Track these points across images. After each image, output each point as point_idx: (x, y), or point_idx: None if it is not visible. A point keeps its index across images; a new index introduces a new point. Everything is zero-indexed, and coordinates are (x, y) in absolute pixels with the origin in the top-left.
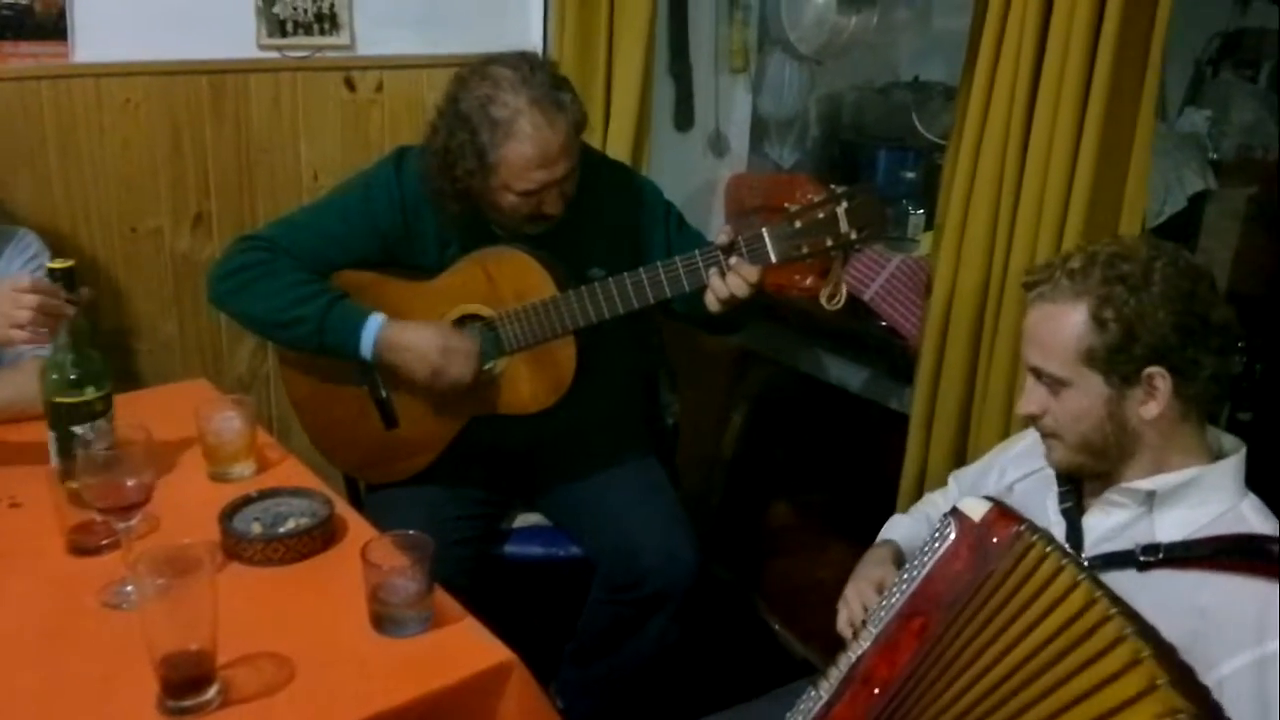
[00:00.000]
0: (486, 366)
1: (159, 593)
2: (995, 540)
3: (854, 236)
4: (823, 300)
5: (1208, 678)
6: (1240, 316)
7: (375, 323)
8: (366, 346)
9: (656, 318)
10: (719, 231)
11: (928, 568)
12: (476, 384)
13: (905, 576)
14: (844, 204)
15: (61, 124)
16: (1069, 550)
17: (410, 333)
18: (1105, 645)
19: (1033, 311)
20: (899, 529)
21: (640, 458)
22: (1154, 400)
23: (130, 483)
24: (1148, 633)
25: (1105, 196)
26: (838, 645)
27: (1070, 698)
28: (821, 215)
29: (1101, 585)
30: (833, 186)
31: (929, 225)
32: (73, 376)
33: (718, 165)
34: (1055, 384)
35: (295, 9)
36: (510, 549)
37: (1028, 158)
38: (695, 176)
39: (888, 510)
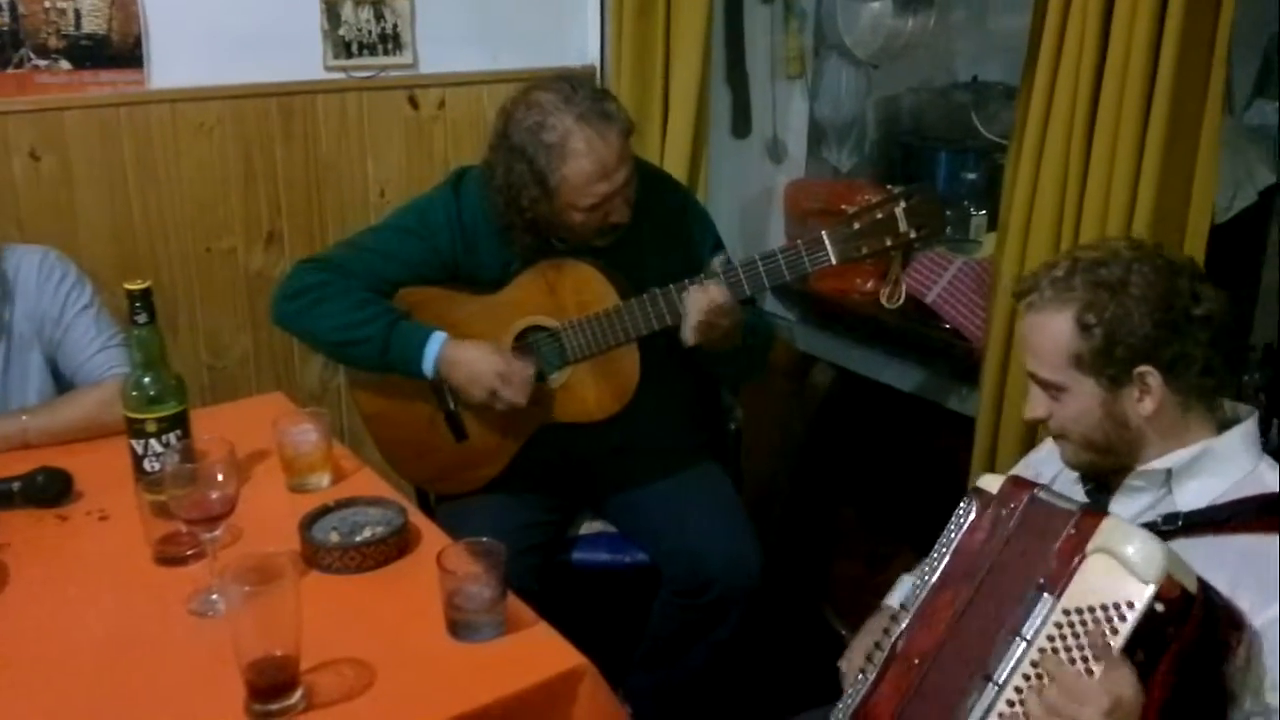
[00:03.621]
0: (551, 376)
1: (246, 600)
2: (1012, 506)
3: (913, 235)
4: (882, 299)
5: None
6: None
7: (437, 341)
8: (429, 364)
9: None
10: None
11: (953, 544)
12: (542, 393)
13: (934, 557)
14: (902, 204)
15: (139, 148)
16: (1079, 501)
17: (469, 352)
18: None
19: (1025, 320)
20: (900, 591)
21: (704, 463)
22: (1149, 397)
23: (214, 495)
24: None
25: (1172, 193)
26: None
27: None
28: (880, 215)
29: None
30: (890, 187)
31: (991, 226)
32: (152, 393)
33: (776, 172)
34: (1053, 389)
35: (360, 30)
36: (578, 555)
37: (1092, 156)
38: (753, 183)
39: (951, 514)
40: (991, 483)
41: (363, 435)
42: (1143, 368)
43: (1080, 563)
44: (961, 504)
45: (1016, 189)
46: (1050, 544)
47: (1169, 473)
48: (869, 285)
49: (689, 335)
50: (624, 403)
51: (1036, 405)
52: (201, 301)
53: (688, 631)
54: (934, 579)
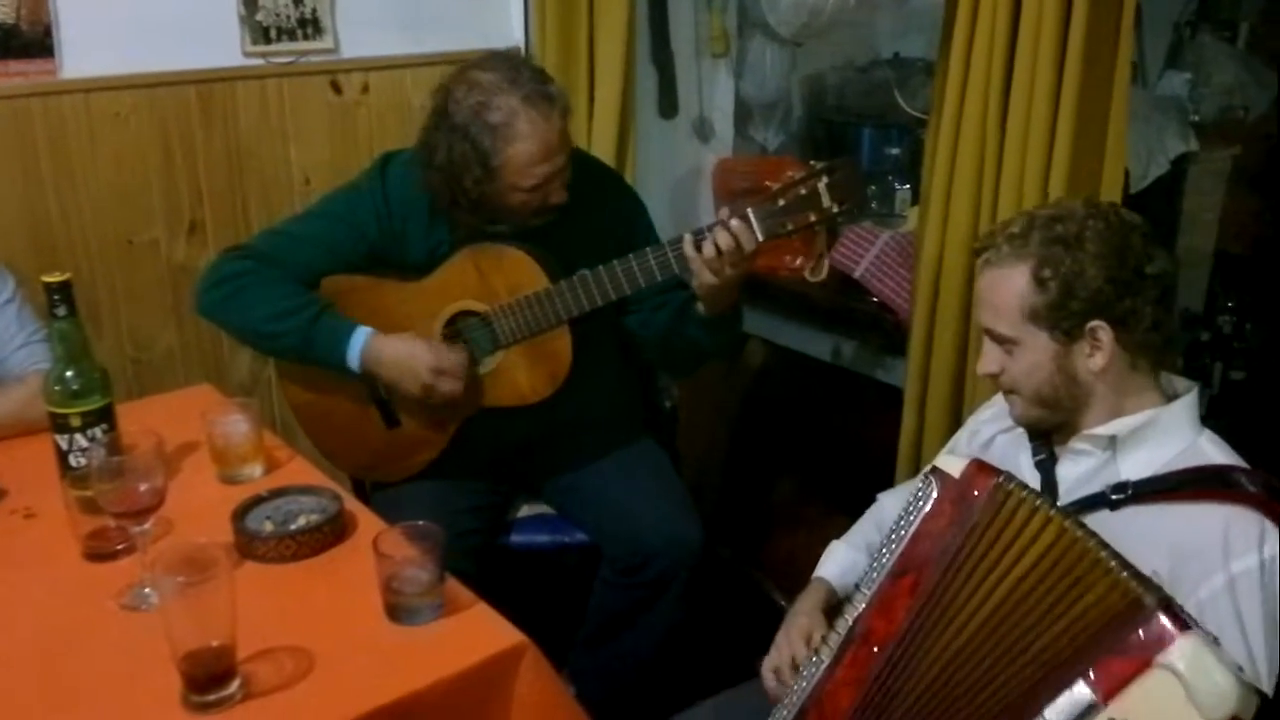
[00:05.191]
0: (483, 361)
1: (178, 591)
2: (976, 493)
3: (836, 210)
4: (806, 274)
5: (1187, 604)
6: (1228, 276)
7: (360, 337)
8: (353, 360)
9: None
10: (720, 212)
11: (914, 527)
12: (474, 379)
13: (892, 537)
14: (824, 179)
15: (53, 140)
16: (1043, 495)
17: (397, 347)
18: (1082, 567)
19: (981, 277)
20: (834, 562)
21: (640, 442)
22: (1099, 352)
23: (143, 487)
24: (1118, 556)
25: (1085, 163)
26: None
27: (1053, 616)
28: (804, 191)
29: (1073, 519)
30: (812, 163)
31: (915, 200)
32: (75, 388)
33: (704, 151)
34: (1007, 343)
35: (278, 15)
36: (517, 538)
37: (1007, 129)
38: (682, 163)
39: (885, 483)
40: (952, 465)
41: (295, 427)
42: (1095, 322)
43: (1142, 673)
44: (919, 484)
45: (936, 162)
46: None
47: (1114, 439)
48: (797, 262)
49: (704, 283)
50: (557, 385)
51: (989, 361)
52: (124, 294)
53: (629, 609)
54: (892, 561)
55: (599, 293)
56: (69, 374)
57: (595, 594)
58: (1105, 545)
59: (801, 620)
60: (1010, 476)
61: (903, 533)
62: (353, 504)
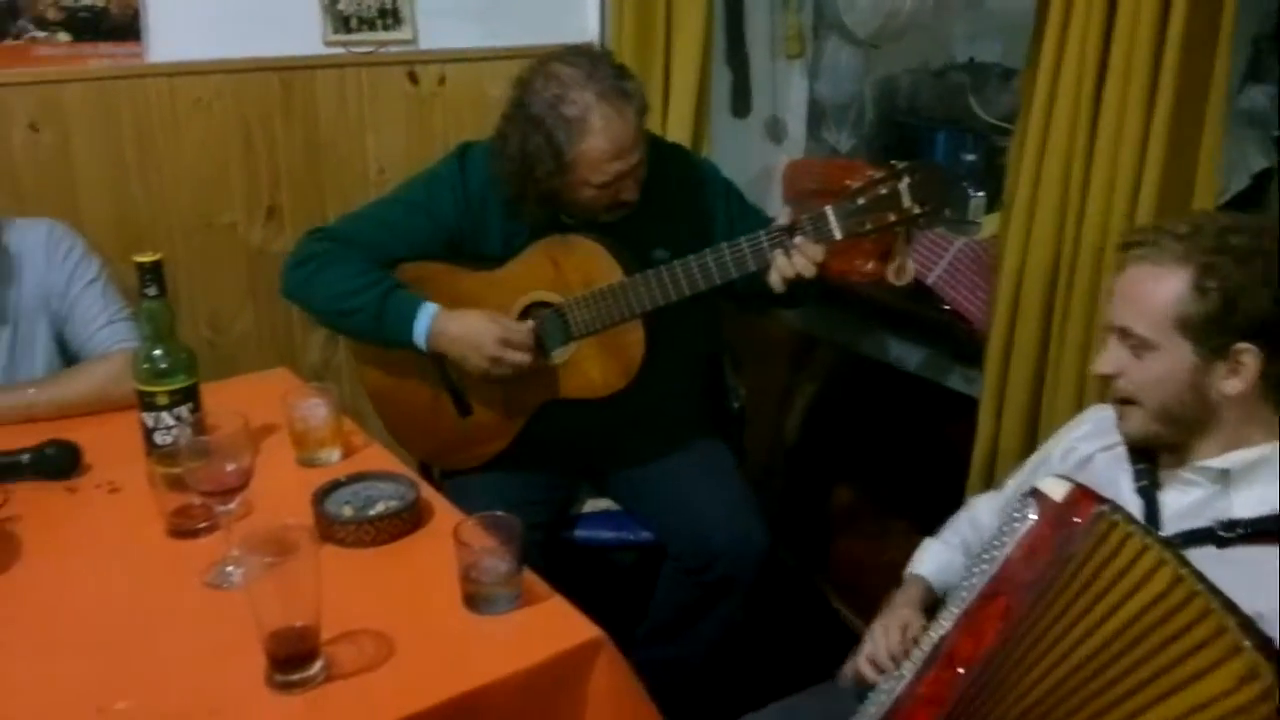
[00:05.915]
0: (556, 352)
1: (267, 571)
2: (1077, 520)
3: (917, 211)
4: (889, 277)
5: None
6: None
7: (428, 312)
8: (420, 335)
9: (718, 300)
10: (779, 215)
11: (1009, 548)
12: (546, 370)
13: (985, 556)
14: (906, 179)
15: (138, 122)
16: (1150, 530)
17: (464, 322)
18: (1190, 620)
19: (1130, 270)
20: (931, 559)
21: (707, 440)
22: (1238, 377)
23: (230, 467)
24: (1229, 606)
25: (1178, 175)
26: None
27: (1154, 671)
28: (884, 191)
29: (1185, 562)
30: (893, 163)
31: (990, 208)
32: (163, 366)
33: (775, 151)
34: (1141, 346)
35: (359, 5)
36: (581, 533)
37: (1097, 138)
38: (753, 163)
39: (952, 493)
40: (1054, 487)
41: (365, 411)
42: (1245, 344)
43: None
44: (1016, 503)
45: (1021, 170)
46: None
47: (1226, 473)
48: (869, 266)
49: (778, 282)
50: (629, 379)
51: (1110, 361)
52: (202, 277)
53: (692, 608)
54: (984, 582)
55: (674, 288)
56: (157, 353)
57: (658, 591)
58: (1231, 607)
59: (902, 612)
60: (1116, 507)
61: (997, 553)
62: (428, 492)
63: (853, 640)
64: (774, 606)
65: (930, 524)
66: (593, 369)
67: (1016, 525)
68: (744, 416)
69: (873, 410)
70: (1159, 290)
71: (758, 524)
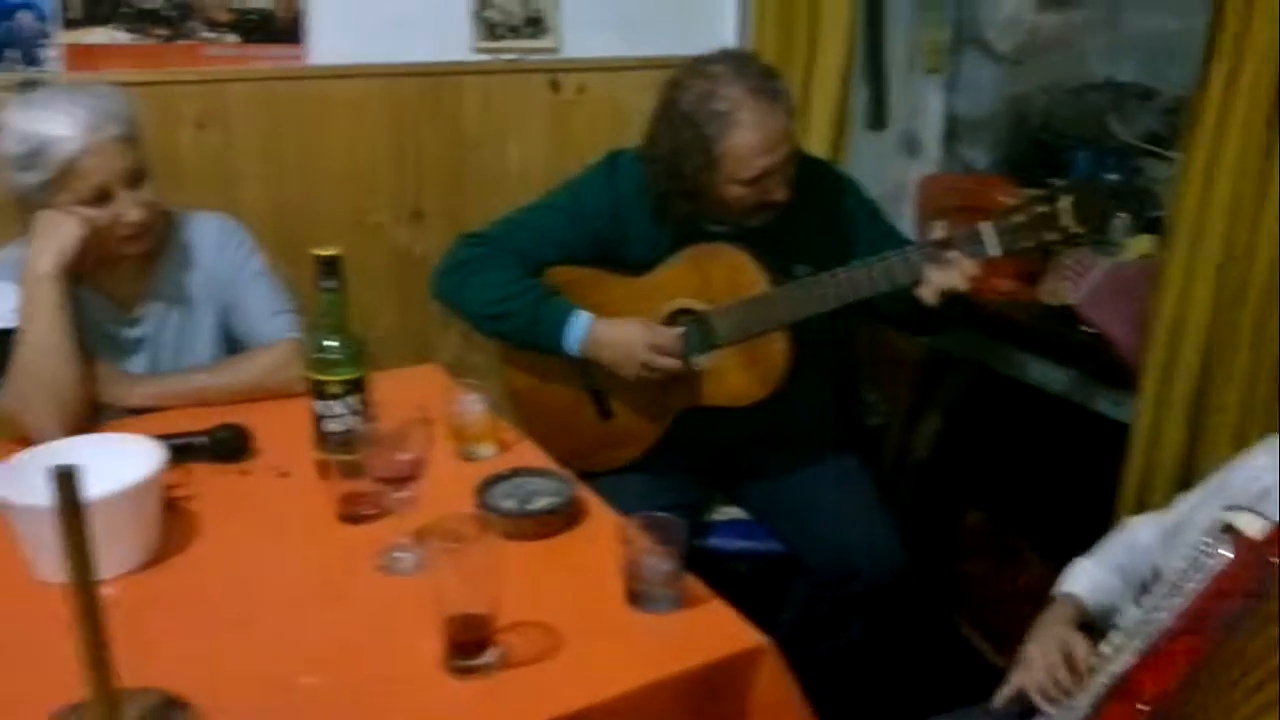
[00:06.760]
0: (698, 359)
1: (452, 557)
2: (1274, 560)
3: (1077, 231)
4: (1044, 296)
5: None
6: None
7: (582, 320)
8: (573, 342)
9: (854, 317)
10: (934, 226)
11: (1200, 585)
12: (688, 377)
13: (1171, 589)
14: (1067, 198)
15: (297, 121)
16: None
17: (617, 330)
18: None
19: None
20: (1086, 578)
21: (842, 456)
22: None
23: (407, 456)
24: None
25: None
26: None
27: None
28: (1043, 209)
29: None
30: (1052, 181)
31: (1136, 229)
32: (337, 357)
33: (909, 166)
34: None
35: (506, 13)
36: (714, 541)
37: (1271, 163)
38: (887, 177)
39: (1092, 522)
40: (1251, 524)
41: (503, 410)
42: None
43: None
44: (1207, 540)
45: (1186, 195)
46: None
47: None
48: (1005, 285)
49: (929, 295)
50: (771, 389)
51: None
52: (350, 274)
53: (824, 623)
54: (1169, 618)
55: (820, 300)
56: (332, 343)
57: (789, 604)
58: None
59: (1059, 632)
60: None
61: (1186, 586)
62: (584, 491)
63: (977, 663)
64: (902, 628)
65: (1064, 553)
66: (734, 378)
67: (1208, 561)
68: (881, 434)
69: (1005, 432)
70: None
71: (896, 544)
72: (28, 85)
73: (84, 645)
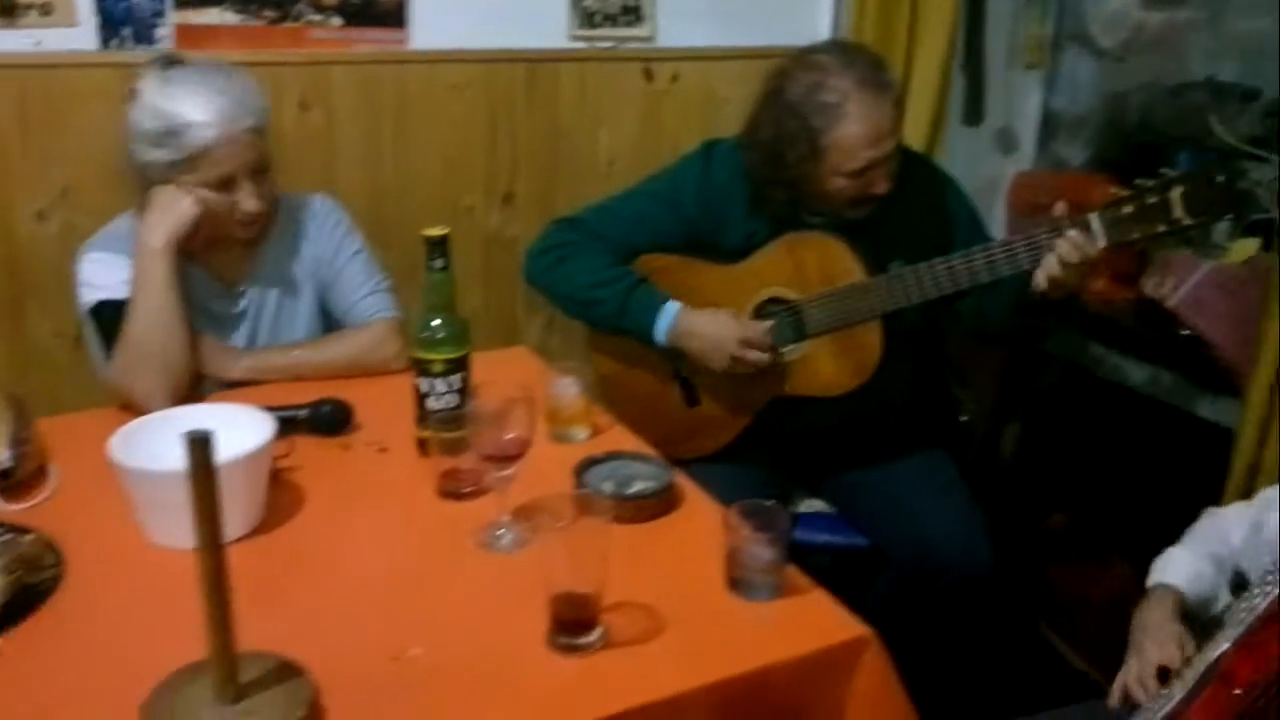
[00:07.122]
0: (789, 349)
1: (560, 535)
2: None
3: (1189, 222)
4: (1149, 291)
5: None
6: None
7: (671, 310)
8: (661, 332)
9: (947, 315)
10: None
11: None
12: (777, 366)
13: (1269, 577)
14: (1179, 188)
15: (398, 105)
16: None
17: (706, 322)
18: None
19: None
20: (1182, 568)
21: (931, 451)
22: None
23: (512, 435)
24: None
25: None
26: (1118, 660)
27: None
28: (1154, 200)
29: None
30: (1164, 170)
31: (1238, 232)
32: (441, 335)
33: (1003, 162)
34: None
35: (604, 1)
36: (798, 534)
37: None
38: (980, 172)
39: (1182, 526)
40: None
41: (591, 394)
42: None
43: None
44: None
45: None
46: None
47: None
48: (1101, 284)
49: (1043, 280)
50: (863, 379)
51: None
52: None
53: (910, 618)
54: (1265, 603)
55: (916, 290)
56: (437, 322)
57: (873, 599)
58: None
59: (1172, 627)
60: None
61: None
62: (680, 477)
63: (1060, 667)
64: (984, 629)
65: (1152, 557)
66: (825, 368)
67: None
68: (972, 430)
69: (1092, 433)
70: None
71: (985, 541)
72: (169, 62)
73: (208, 606)
